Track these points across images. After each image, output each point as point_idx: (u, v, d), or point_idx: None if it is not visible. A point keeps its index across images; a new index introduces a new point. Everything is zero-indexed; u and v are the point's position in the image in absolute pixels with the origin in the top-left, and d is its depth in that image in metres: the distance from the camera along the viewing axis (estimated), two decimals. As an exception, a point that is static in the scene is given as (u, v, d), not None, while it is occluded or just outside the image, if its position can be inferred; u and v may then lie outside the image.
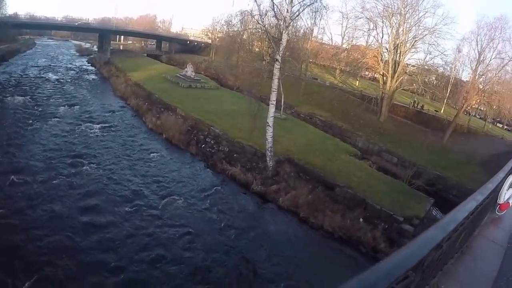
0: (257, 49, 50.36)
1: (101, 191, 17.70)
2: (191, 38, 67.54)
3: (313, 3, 21.83)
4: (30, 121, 27.42)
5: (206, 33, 73.66)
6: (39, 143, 23.23)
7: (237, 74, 44.49)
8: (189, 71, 39.95)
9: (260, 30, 23.80)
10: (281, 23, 20.28)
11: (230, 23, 59.74)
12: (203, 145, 23.27)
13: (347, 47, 59.37)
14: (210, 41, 65.80)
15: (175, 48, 65.82)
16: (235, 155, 21.93)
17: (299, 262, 13.92)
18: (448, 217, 2.62)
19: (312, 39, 49.91)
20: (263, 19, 22.16)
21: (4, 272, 11.20)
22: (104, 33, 62.73)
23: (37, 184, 17.65)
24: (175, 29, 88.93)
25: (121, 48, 74.36)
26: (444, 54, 37.64)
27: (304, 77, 42.45)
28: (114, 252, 13.09)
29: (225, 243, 14.59)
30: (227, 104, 30.41)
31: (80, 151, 22.41)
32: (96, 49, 68.77)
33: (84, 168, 20.22)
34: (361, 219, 16.54)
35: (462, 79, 47.30)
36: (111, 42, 64.89)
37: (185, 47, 66.11)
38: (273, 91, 20.61)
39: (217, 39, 64.37)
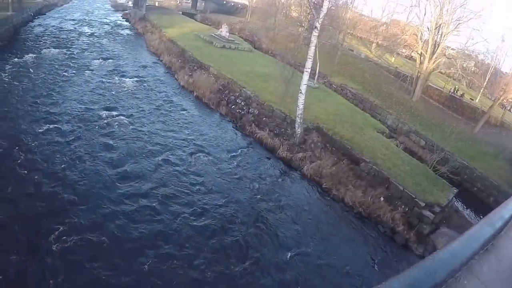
0: (294, 14, 49.49)
1: (131, 143, 18.15)
2: (229, -1, 66.35)
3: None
4: (65, 73, 28.01)
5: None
6: (74, 94, 23.82)
7: (272, 38, 43.77)
8: (224, 31, 39.49)
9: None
10: None
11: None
12: (233, 106, 23.19)
13: (387, 21, 57.76)
14: (247, 2, 64.73)
15: (211, 7, 64.86)
16: (264, 118, 21.81)
17: (316, 231, 14.08)
18: (497, 214, 2.49)
19: (352, 9, 48.66)
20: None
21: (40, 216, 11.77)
22: (141, -13, 62.07)
23: (70, 134, 18.28)
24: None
25: (156, 5, 73.75)
26: (487, 41, 35.98)
27: (340, 48, 41.47)
28: (136, 201, 13.49)
29: (246, 203, 14.88)
30: (260, 67, 30.04)
31: (112, 104, 22.88)
32: (131, 5, 68.55)
33: (115, 120, 20.70)
34: (382, 198, 16.39)
35: (502, 70, 45.57)
36: (147, -2, 64.43)
37: (221, 7, 65.02)
38: (309, 58, 20.20)
39: (255, 0, 63.35)
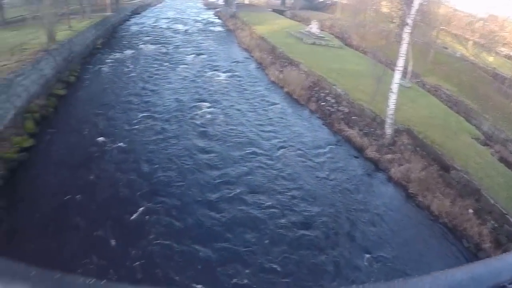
0: (385, 10, 48.18)
1: (221, 133, 19.25)
2: (318, -4, 66.04)
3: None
4: (161, 67, 30.32)
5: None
6: (169, 87, 25.68)
7: (362, 35, 43.05)
8: (314, 28, 39.58)
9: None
10: None
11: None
12: (323, 103, 23.32)
13: (484, 16, 54.21)
14: (336, -2, 64.12)
15: (300, 4, 64.97)
16: (353, 117, 21.69)
17: (397, 237, 13.73)
18: None
19: (446, 4, 46.28)
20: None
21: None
22: (230, -13, 63.88)
23: (163, 122, 19.93)
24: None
25: (246, 2, 75.26)
26: None
27: (434, 45, 39.73)
28: (224, 189, 14.39)
29: (329, 201, 14.97)
30: (350, 64, 29.84)
31: (204, 96, 24.30)
32: (222, 3, 70.61)
33: (207, 111, 21.96)
34: (470, 210, 15.22)
35: None
36: (236, -4, 66.12)
37: (310, 4, 64.95)
38: (401, 56, 19.78)
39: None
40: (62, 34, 29.62)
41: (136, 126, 19.49)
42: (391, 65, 22.96)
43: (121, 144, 17.45)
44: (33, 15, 31.19)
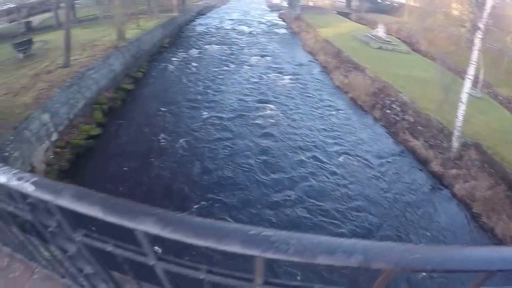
0: (455, 13, 46.38)
1: (282, 136, 19.68)
2: (384, -3, 64.51)
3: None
4: (226, 68, 31.49)
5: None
6: (233, 87, 26.51)
7: (431, 39, 41.75)
8: (380, 31, 38.92)
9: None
10: None
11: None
12: (387, 111, 22.96)
13: None
14: (404, 0, 62.43)
15: (366, 6, 63.75)
16: (419, 127, 21.05)
17: None
18: None
19: None
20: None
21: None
22: (296, -12, 63.97)
23: (226, 121, 20.69)
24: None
25: (310, 4, 74.95)
26: None
27: (508, 52, 37.74)
28: (279, 191, 14.89)
29: (389, 213, 14.81)
30: (417, 71, 29.04)
31: (267, 97, 24.87)
32: (286, 5, 70.85)
33: (269, 113, 22.54)
34: None
35: None
36: (300, -2, 66.17)
37: (376, 6, 63.63)
38: (471, 63, 18.98)
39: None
40: (131, 32, 31.84)
41: (199, 124, 20.61)
42: (461, 73, 22.17)
43: (182, 141, 18.60)
44: (104, 15, 33.44)
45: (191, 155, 17.44)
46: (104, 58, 25.30)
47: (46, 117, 17.24)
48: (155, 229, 1.04)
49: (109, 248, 1.38)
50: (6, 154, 12.05)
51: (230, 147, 18.31)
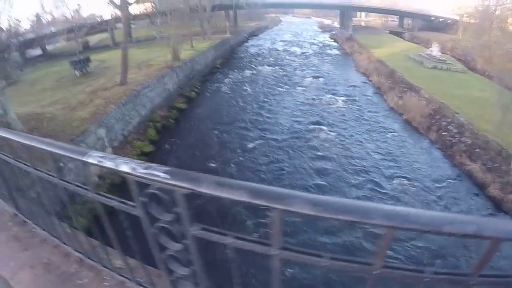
0: (510, 28, 45.09)
1: (337, 159, 19.85)
2: (436, 14, 63.47)
3: None
4: (279, 89, 32.26)
5: (452, 8, 68.43)
6: (286, 107, 27.26)
7: (488, 57, 40.90)
8: (435, 50, 38.77)
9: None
10: None
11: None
12: (444, 133, 22.71)
13: None
14: (457, 17, 61.27)
15: (418, 25, 63.29)
16: (476, 149, 20.48)
17: None
18: None
19: None
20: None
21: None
22: (345, 9, 65.51)
23: (280, 143, 21.28)
24: (417, 4, 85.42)
25: (362, 24, 75.26)
26: None
27: None
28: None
29: (444, 242, 13.74)
30: (474, 91, 28.64)
31: (321, 119, 25.29)
32: (337, 26, 71.58)
33: (323, 135, 22.94)
34: None
35: None
36: (352, 18, 66.73)
37: (429, 24, 62.85)
38: None
39: (466, 14, 59.17)
40: (184, 53, 33.40)
41: (252, 145, 21.12)
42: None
43: (235, 161, 19.22)
44: (159, 35, 35.44)
45: (243, 178, 17.22)
46: (159, 77, 26.51)
47: (102, 132, 18.17)
48: (305, 209, 1.18)
49: (229, 240, 1.43)
50: (61, 164, 11.95)
51: (284, 169, 18.53)
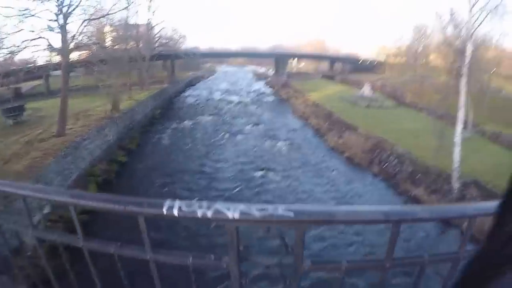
0: (435, 63, 48.51)
1: (286, 200, 19.67)
2: (364, 57, 67.68)
3: (497, 6, 20.19)
4: (221, 138, 31.99)
5: (376, 50, 73.26)
6: (230, 155, 27.08)
7: (415, 91, 43.50)
8: (367, 90, 40.93)
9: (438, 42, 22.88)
10: (463, 32, 19.89)
11: (403, 38, 59.00)
12: (385, 164, 23.69)
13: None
14: (383, 58, 65.41)
15: (348, 68, 66.93)
16: (418, 175, 21.65)
17: None
18: None
19: (493, 46, 46.02)
20: (444, 31, 21.92)
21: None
22: (281, 57, 68.08)
23: (228, 191, 20.83)
24: (344, 49, 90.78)
25: (294, 70, 78.23)
26: None
27: (488, 91, 39.27)
28: None
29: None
30: (407, 123, 30.26)
31: (266, 164, 25.27)
32: (272, 73, 73.99)
33: (270, 179, 22.83)
34: None
35: None
36: (286, 65, 69.31)
37: (358, 66, 66.60)
38: (460, 107, 20.07)
39: (391, 55, 63.85)
40: (124, 103, 32.34)
41: (197, 198, 20.37)
42: (449, 118, 23.17)
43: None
44: (100, 84, 33.07)
45: (187, 236, 15.82)
46: (99, 128, 25.20)
47: None
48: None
49: (112, 250, 1.56)
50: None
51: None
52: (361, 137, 27.44)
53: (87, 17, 28.32)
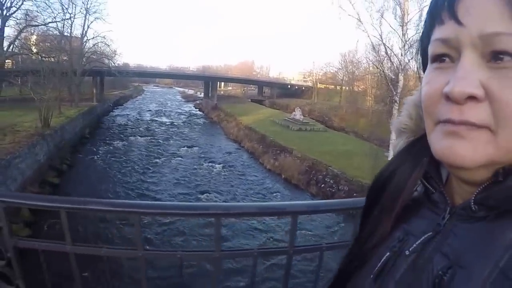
0: (359, 89, 51.23)
1: (229, 224, 19.29)
2: (292, 82, 70.06)
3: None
4: (156, 159, 30.95)
5: (304, 76, 76.13)
6: (166, 179, 26.17)
7: (342, 116, 45.50)
8: (298, 114, 42.03)
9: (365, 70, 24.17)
10: (395, 64, 21.42)
11: (330, 65, 61.98)
12: (322, 185, 24.21)
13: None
14: (310, 84, 67.94)
15: (277, 92, 68.85)
16: (354, 194, 22.33)
17: None
18: None
19: (410, 73, 49.83)
20: (381, 64, 23.44)
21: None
22: (211, 80, 68.44)
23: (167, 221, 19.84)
24: (273, 73, 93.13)
25: (221, 93, 78.88)
26: None
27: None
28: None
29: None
30: (338, 145, 31.44)
31: (205, 187, 24.73)
32: (201, 95, 74.08)
33: (213, 201, 22.31)
34: None
35: None
36: (217, 89, 69.79)
37: (286, 91, 68.77)
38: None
39: (318, 82, 66.76)
40: (54, 120, 29.52)
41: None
42: (376, 140, 24.49)
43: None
44: (23, 97, 31.22)
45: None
46: (29, 146, 22.82)
47: None
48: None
49: (103, 251, 1.70)
50: None
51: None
52: (296, 159, 27.98)
53: (26, 23, 26.07)
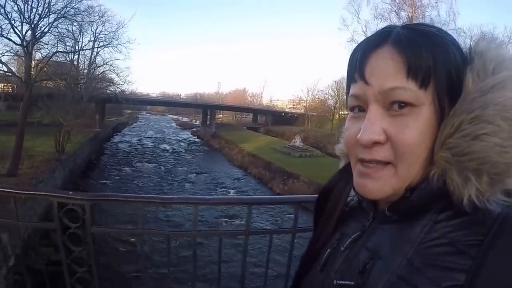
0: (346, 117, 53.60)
1: (255, 247, 20.81)
2: (286, 109, 72.35)
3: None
4: (168, 185, 32.07)
5: (294, 102, 78.27)
6: (185, 206, 27.03)
7: (334, 143, 47.37)
8: (298, 141, 44.76)
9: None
10: None
11: (322, 91, 65.30)
12: (333, 208, 26.66)
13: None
14: (302, 111, 70.55)
15: (271, 120, 71.12)
16: None
17: None
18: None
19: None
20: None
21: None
22: (209, 108, 70.50)
23: (183, 248, 20.49)
24: (264, 100, 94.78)
25: (219, 121, 79.55)
26: None
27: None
28: None
29: None
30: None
31: (225, 212, 25.71)
32: (197, 123, 74.84)
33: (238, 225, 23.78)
34: None
35: None
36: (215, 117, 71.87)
37: (280, 119, 72.05)
38: None
39: (309, 109, 68.85)
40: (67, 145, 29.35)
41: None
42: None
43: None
44: (33, 122, 30.43)
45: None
46: (50, 171, 23.19)
47: (4, 236, 12.13)
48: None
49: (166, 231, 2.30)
50: None
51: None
52: (303, 183, 30.54)
53: (55, 49, 26.21)
